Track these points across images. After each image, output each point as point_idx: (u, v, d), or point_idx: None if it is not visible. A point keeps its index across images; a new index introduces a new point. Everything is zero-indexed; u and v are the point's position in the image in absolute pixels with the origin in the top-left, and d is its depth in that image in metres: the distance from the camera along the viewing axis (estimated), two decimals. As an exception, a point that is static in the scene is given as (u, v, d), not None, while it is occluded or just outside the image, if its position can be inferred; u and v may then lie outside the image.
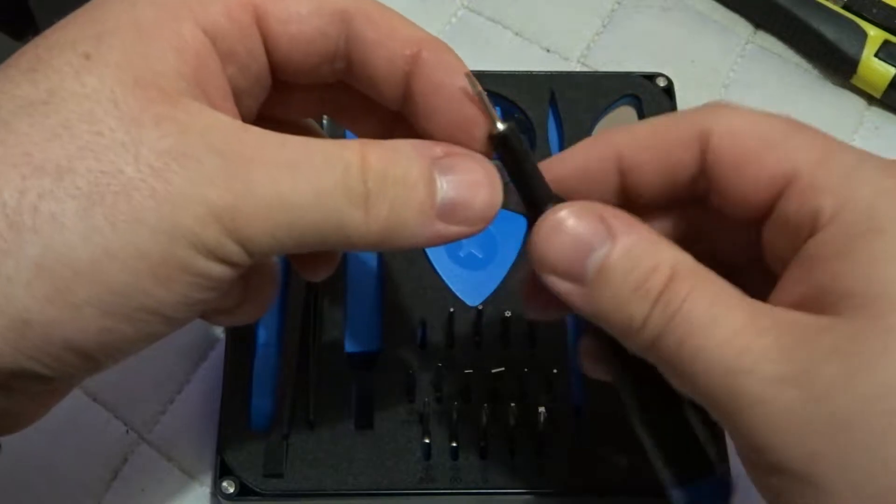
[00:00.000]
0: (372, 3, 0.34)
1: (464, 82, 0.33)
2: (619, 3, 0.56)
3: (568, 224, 0.31)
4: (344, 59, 0.34)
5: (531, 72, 0.50)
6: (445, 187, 0.31)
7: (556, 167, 0.34)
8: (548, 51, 0.55)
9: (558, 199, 0.32)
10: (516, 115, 0.49)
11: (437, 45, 0.34)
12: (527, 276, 0.35)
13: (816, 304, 0.29)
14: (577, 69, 0.54)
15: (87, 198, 0.28)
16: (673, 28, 0.55)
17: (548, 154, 0.48)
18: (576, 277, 0.31)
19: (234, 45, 0.32)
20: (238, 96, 0.33)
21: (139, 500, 0.43)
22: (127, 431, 0.44)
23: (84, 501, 0.42)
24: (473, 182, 0.31)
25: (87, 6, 0.31)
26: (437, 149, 0.32)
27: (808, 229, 0.30)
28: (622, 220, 0.31)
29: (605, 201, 0.33)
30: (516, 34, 0.55)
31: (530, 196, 0.33)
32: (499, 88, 0.49)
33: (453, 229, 0.31)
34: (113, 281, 0.28)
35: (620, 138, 0.34)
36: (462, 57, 0.53)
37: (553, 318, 0.37)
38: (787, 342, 0.29)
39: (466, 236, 0.32)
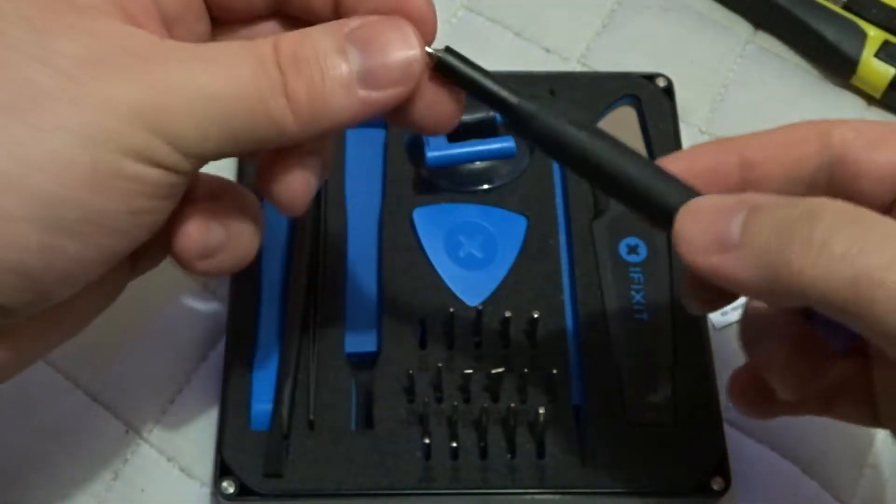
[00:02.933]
0: None
1: None
2: (619, 3, 0.56)
3: (706, 202, 0.32)
4: None
5: (531, 72, 0.51)
6: (358, 54, 0.31)
7: (679, 164, 0.35)
8: (548, 51, 0.55)
9: (693, 193, 0.33)
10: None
11: None
12: (685, 275, 0.35)
13: None
14: (577, 69, 0.54)
15: (5, 110, 0.28)
16: (673, 28, 0.56)
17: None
18: (723, 243, 0.31)
19: None
20: (170, 24, 0.33)
21: (139, 500, 0.43)
22: (127, 431, 0.44)
23: (84, 501, 0.42)
24: (386, 42, 0.32)
25: None
26: (352, 23, 0.32)
27: None
28: (754, 193, 0.33)
29: None
30: (516, 34, 0.55)
31: (492, 99, 0.34)
32: (499, 88, 0.49)
33: (380, 94, 0.32)
34: (45, 193, 0.28)
35: (742, 139, 0.35)
36: (462, 57, 0.54)
37: (714, 310, 0.36)
38: None
39: (399, 98, 0.32)
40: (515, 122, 0.34)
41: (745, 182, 0.35)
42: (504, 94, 0.34)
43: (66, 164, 0.28)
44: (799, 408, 0.38)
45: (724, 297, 0.34)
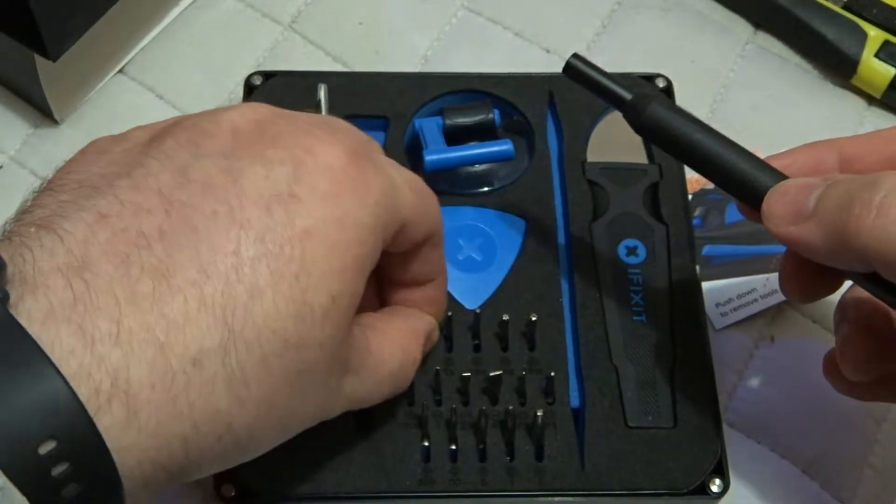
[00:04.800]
0: None
1: None
2: (619, 4, 0.56)
3: (791, 183, 0.36)
4: None
5: (530, 73, 0.51)
6: None
7: (780, 161, 0.38)
8: (548, 51, 0.55)
9: (782, 177, 0.36)
10: (515, 118, 0.49)
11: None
12: (783, 265, 0.38)
13: None
14: (577, 70, 0.54)
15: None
16: (673, 28, 0.55)
17: (546, 155, 0.48)
18: (800, 214, 0.34)
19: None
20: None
21: (140, 501, 0.43)
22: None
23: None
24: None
25: None
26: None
27: None
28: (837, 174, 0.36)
29: None
30: (516, 35, 0.55)
31: (611, 96, 0.40)
32: (497, 90, 0.49)
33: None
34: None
35: (841, 139, 0.38)
36: (462, 58, 0.54)
37: (812, 299, 0.39)
38: None
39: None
40: (631, 116, 0.39)
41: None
42: (620, 91, 0.40)
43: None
44: (878, 393, 0.40)
45: (822, 285, 0.37)
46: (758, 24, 0.56)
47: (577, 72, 0.40)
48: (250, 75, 0.50)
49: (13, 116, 0.52)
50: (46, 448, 0.27)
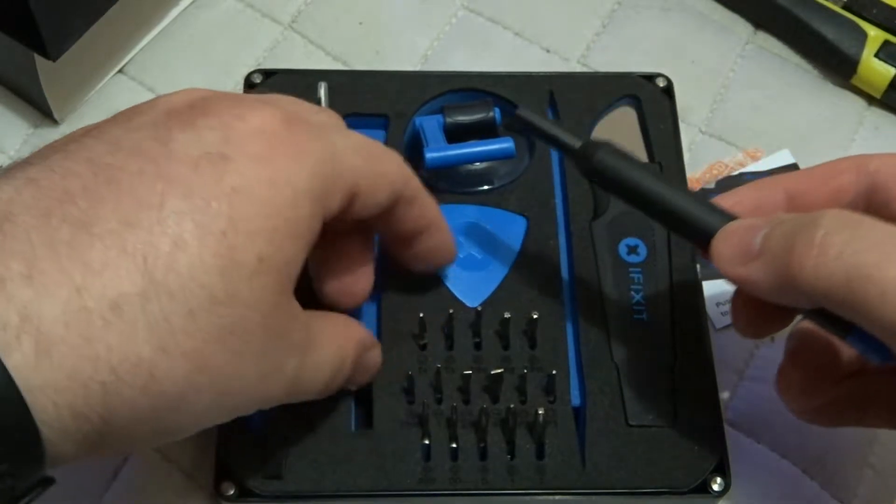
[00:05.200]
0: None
1: None
2: (619, 4, 0.56)
3: (739, 223, 0.37)
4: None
5: (530, 73, 0.51)
6: None
7: (727, 201, 0.39)
8: (547, 51, 0.55)
9: (730, 217, 0.37)
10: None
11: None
12: (734, 302, 0.39)
13: None
14: (577, 70, 0.54)
15: None
16: (673, 28, 0.56)
17: (547, 153, 0.48)
18: (747, 254, 0.35)
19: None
20: None
21: (139, 500, 0.43)
22: (127, 432, 0.44)
23: (84, 501, 0.42)
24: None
25: None
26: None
27: None
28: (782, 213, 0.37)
29: None
30: (516, 34, 0.55)
31: (556, 141, 0.41)
32: (498, 90, 0.49)
33: None
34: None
35: (786, 175, 0.40)
36: (462, 57, 0.54)
37: (764, 335, 0.40)
38: None
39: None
40: (580, 163, 0.40)
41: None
42: (568, 140, 0.41)
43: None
44: (834, 418, 0.41)
45: (773, 321, 0.39)
46: (758, 24, 0.56)
47: (525, 123, 0.42)
48: (250, 73, 0.50)
49: (13, 116, 0.52)
50: None
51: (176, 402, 0.32)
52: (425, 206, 0.40)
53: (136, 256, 0.30)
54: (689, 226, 0.38)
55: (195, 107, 0.34)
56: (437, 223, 0.41)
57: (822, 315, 0.35)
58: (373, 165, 0.37)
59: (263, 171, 0.33)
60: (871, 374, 0.40)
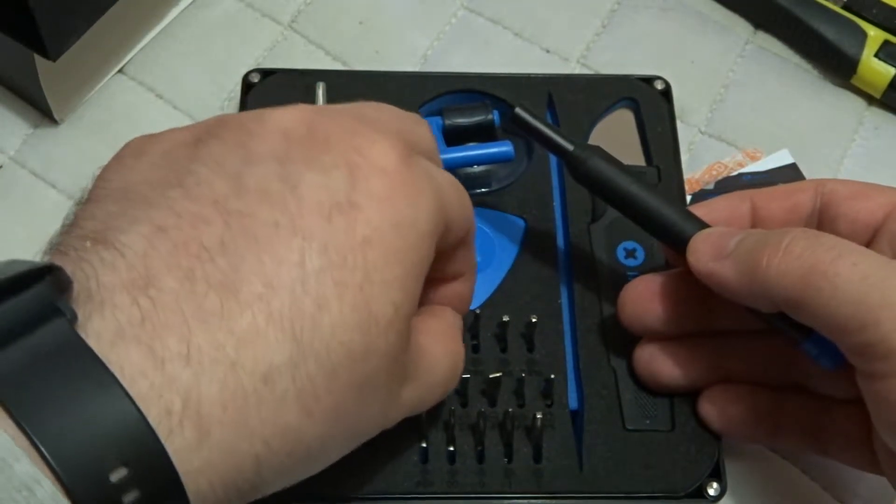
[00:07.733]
0: None
1: None
2: (618, 4, 0.56)
3: (715, 229, 0.41)
4: None
5: (528, 74, 0.51)
6: None
7: (700, 211, 0.42)
8: (547, 52, 0.55)
9: (705, 226, 0.41)
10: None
11: None
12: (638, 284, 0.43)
13: None
14: (577, 70, 0.54)
15: None
16: (673, 28, 0.55)
17: (545, 156, 0.48)
18: (720, 253, 0.39)
19: None
20: None
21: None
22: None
23: None
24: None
25: None
26: None
27: None
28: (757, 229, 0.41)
29: None
30: (516, 35, 0.55)
31: (551, 143, 0.43)
32: (496, 91, 0.49)
33: None
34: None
35: (754, 190, 0.43)
36: (462, 58, 0.54)
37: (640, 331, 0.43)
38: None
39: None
40: (573, 166, 0.42)
41: (754, 225, 0.42)
42: (563, 142, 0.42)
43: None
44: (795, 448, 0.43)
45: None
46: (758, 24, 0.56)
47: (522, 122, 0.43)
48: (248, 73, 0.50)
49: (13, 116, 0.52)
50: (118, 475, 0.27)
51: (316, 455, 0.32)
52: (472, 251, 0.40)
53: (283, 322, 0.30)
54: (668, 229, 0.41)
55: (315, 135, 0.33)
56: (474, 271, 0.41)
57: (783, 319, 0.38)
58: (462, 201, 0.37)
59: (389, 215, 0.32)
60: (785, 391, 0.42)
